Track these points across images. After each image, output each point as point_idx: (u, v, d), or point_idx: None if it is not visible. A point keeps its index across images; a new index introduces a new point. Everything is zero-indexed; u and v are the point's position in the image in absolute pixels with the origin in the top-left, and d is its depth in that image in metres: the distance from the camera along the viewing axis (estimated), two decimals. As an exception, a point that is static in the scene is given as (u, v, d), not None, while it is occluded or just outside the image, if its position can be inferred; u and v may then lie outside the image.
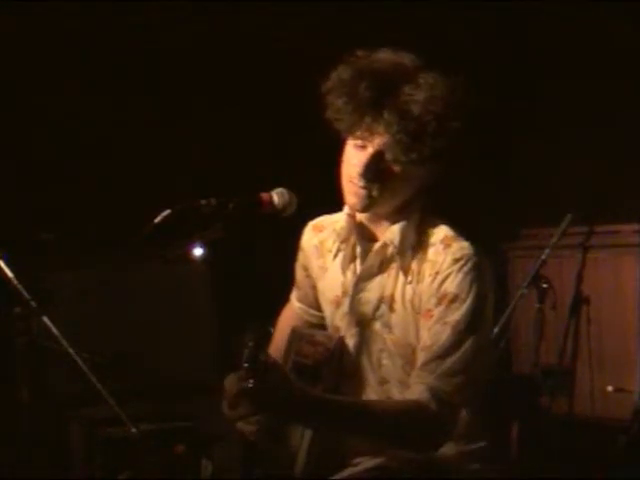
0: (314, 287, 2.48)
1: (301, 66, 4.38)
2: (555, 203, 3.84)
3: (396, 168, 2.18)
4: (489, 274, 2.22)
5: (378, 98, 2.14)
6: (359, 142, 2.20)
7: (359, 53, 2.22)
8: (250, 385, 1.97)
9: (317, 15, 4.46)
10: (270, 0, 4.42)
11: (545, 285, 3.37)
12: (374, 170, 2.18)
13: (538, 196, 4.74)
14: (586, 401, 4.21)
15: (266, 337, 2.02)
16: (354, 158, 2.22)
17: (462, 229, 2.27)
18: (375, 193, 2.20)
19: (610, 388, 4.22)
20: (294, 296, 2.58)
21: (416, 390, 2.15)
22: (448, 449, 2.26)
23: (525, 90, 4.88)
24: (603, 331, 4.30)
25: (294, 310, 2.58)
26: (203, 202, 2.23)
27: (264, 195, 2.27)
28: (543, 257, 3.40)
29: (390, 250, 2.26)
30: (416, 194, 2.26)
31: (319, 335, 2.40)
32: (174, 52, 4.35)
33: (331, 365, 2.32)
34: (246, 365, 1.97)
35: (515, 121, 4.88)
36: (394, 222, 2.26)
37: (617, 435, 3.86)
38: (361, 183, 2.20)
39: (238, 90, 4.43)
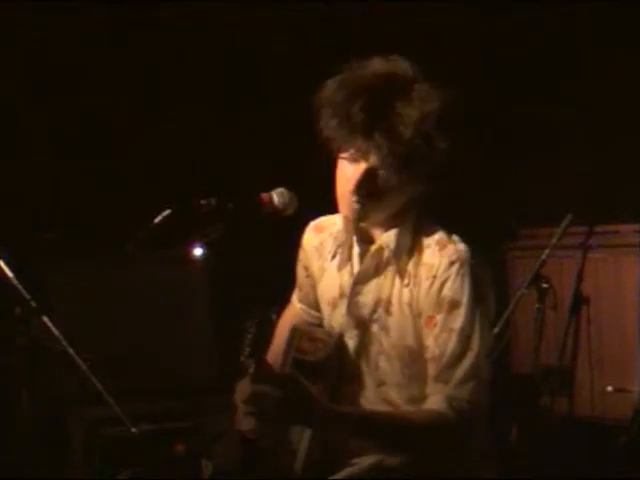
0: (314, 287, 2.48)
1: (301, 66, 4.38)
2: (555, 203, 3.84)
3: (388, 185, 2.19)
4: (486, 274, 2.23)
5: (370, 119, 2.13)
6: (352, 157, 2.21)
7: (352, 65, 2.21)
8: (251, 369, 2.00)
9: (317, 15, 4.46)
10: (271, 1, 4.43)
11: (545, 285, 3.37)
12: (366, 186, 2.19)
13: (538, 196, 4.73)
14: (586, 401, 4.21)
15: (268, 322, 2.04)
16: (347, 173, 2.22)
17: (462, 229, 2.27)
18: (368, 206, 2.21)
19: (610, 388, 4.22)
20: (295, 296, 2.59)
21: (433, 401, 2.17)
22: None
23: (525, 90, 4.88)
24: (603, 331, 4.29)
25: (295, 310, 2.58)
26: (203, 202, 2.24)
27: (264, 195, 2.27)
28: (543, 257, 3.39)
29: (386, 254, 2.27)
30: (411, 200, 2.27)
31: (319, 332, 2.41)
32: (174, 52, 4.35)
33: (331, 362, 2.32)
34: (248, 349, 1.99)
35: (515, 121, 4.88)
36: (390, 226, 2.27)
37: (617, 435, 3.85)
38: (354, 198, 2.21)
39: (238, 90, 4.43)
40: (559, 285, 3.48)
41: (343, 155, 2.22)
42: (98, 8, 4.16)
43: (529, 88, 4.87)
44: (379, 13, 4.54)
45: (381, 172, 2.17)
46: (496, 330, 3.33)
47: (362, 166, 2.19)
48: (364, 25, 4.50)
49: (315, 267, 2.45)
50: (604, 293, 4.29)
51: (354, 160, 2.20)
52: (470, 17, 4.75)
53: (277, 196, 2.27)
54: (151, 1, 4.25)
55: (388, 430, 2.18)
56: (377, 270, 2.29)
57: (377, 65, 2.21)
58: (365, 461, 2.29)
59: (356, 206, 2.21)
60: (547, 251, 3.40)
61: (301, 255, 2.51)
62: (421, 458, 2.23)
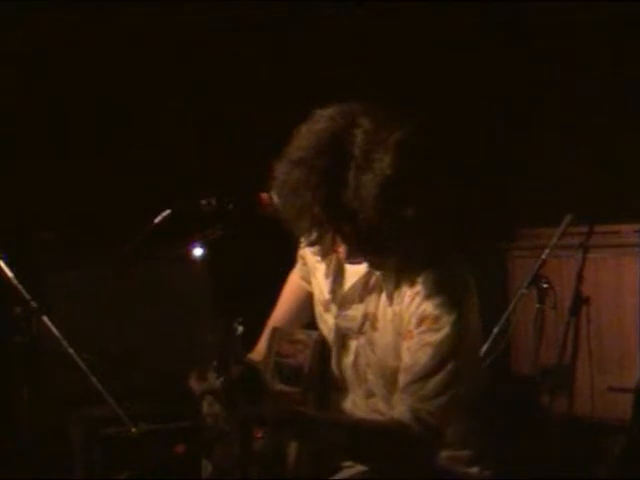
0: (309, 278, 2.48)
1: (301, 65, 4.39)
2: (555, 203, 3.84)
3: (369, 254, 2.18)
4: (472, 295, 2.19)
5: (331, 210, 2.06)
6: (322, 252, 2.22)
7: (291, 149, 2.15)
8: (219, 383, 2.00)
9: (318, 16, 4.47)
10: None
11: (545, 285, 3.37)
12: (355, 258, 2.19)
13: (538, 196, 4.73)
14: (586, 401, 4.20)
15: (233, 334, 2.03)
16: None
17: (462, 229, 2.27)
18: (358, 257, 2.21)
19: (610, 388, 4.22)
20: (297, 271, 2.58)
21: (398, 412, 2.15)
22: (446, 454, 2.27)
23: (525, 90, 4.88)
24: (603, 331, 4.29)
25: (296, 278, 2.58)
26: (203, 202, 2.24)
27: (264, 195, 2.27)
28: (543, 257, 3.39)
29: (373, 278, 2.25)
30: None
31: (299, 334, 2.40)
32: (174, 51, 4.35)
33: (312, 364, 2.31)
34: (215, 363, 1.99)
35: (515, 121, 4.88)
36: None
37: (617, 435, 3.85)
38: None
39: (239, 90, 4.43)
40: (559, 285, 3.48)
41: (311, 251, 2.26)
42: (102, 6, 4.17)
43: (529, 87, 4.87)
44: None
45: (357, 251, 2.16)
46: (496, 330, 3.34)
47: (340, 251, 2.16)
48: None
49: (311, 261, 2.44)
50: (604, 293, 4.28)
51: (325, 255, 2.23)
52: (470, 18, 4.76)
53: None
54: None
55: (343, 434, 2.16)
56: (364, 290, 2.27)
57: (320, 131, 2.12)
58: (360, 465, 2.28)
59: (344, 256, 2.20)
60: (547, 251, 3.40)
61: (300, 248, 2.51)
62: (384, 468, 2.21)
